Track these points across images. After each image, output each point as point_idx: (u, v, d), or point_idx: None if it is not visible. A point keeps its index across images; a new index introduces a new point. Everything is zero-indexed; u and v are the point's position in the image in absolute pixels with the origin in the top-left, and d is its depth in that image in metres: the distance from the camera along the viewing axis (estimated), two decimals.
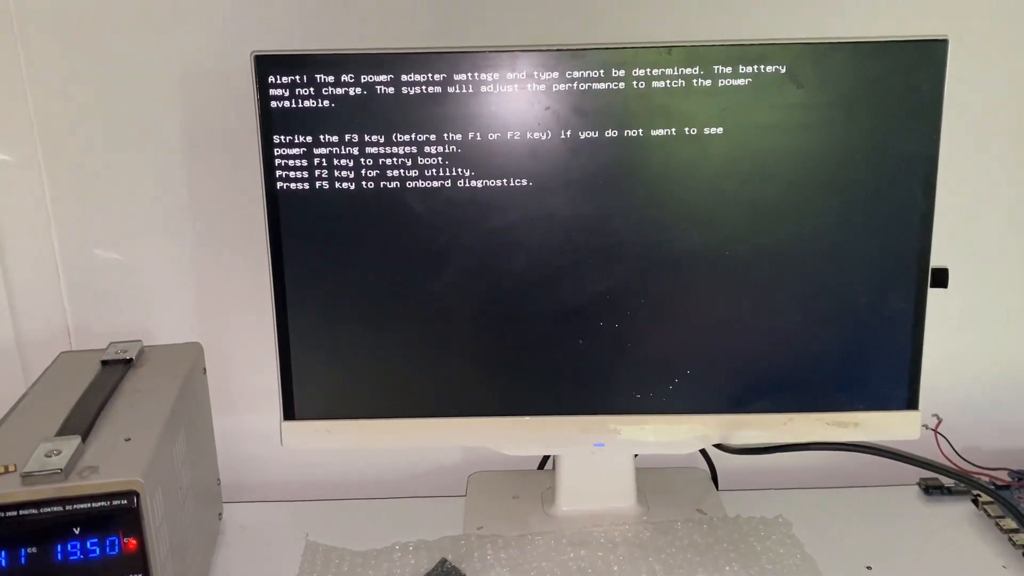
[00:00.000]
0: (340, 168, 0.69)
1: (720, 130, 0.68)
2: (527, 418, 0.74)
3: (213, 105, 0.80)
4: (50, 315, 0.84)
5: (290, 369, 0.73)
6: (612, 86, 0.67)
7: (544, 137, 0.68)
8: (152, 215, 0.82)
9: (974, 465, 0.84)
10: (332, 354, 0.73)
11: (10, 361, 0.83)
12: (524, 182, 0.69)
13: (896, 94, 0.68)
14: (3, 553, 0.54)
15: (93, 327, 0.85)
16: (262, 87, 0.67)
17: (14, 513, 0.53)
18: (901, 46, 0.67)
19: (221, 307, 0.85)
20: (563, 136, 0.68)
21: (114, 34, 0.78)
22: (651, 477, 0.84)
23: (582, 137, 0.68)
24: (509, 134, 0.68)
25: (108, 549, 0.55)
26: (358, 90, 0.67)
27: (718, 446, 0.81)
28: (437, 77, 0.67)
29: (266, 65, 0.67)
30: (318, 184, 0.69)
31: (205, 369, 0.78)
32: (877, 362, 0.72)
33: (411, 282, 0.71)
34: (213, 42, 0.78)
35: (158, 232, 0.83)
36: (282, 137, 0.69)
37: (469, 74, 0.67)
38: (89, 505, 0.54)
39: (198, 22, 0.78)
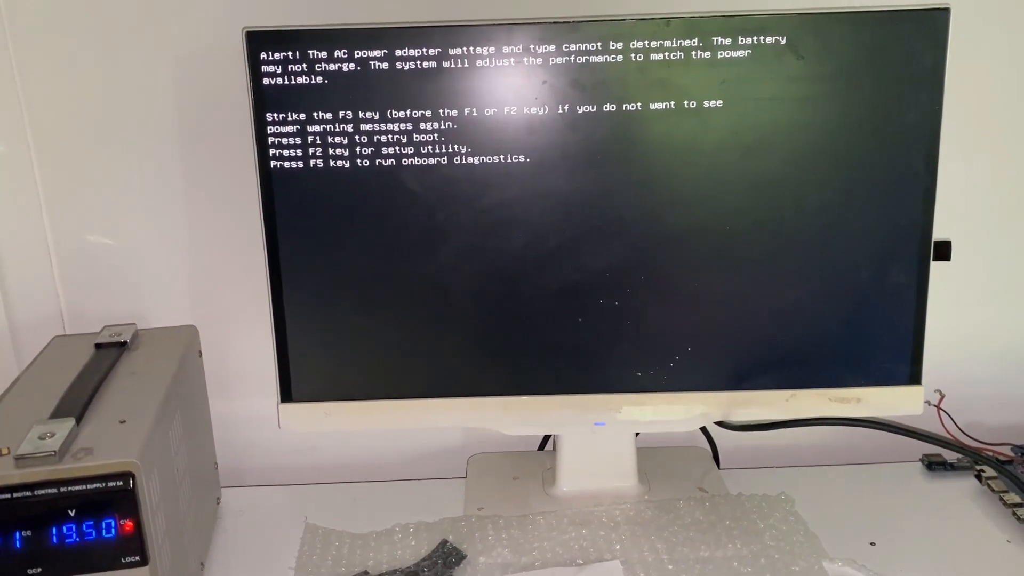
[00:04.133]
0: (334, 146, 0.68)
1: (720, 103, 0.67)
2: (526, 398, 0.74)
3: (205, 84, 0.78)
4: (43, 301, 0.83)
5: (287, 351, 0.72)
6: (610, 59, 0.66)
7: (541, 112, 0.67)
8: (144, 198, 0.81)
9: (977, 441, 0.84)
10: (329, 335, 0.72)
11: (2, 347, 0.82)
12: (521, 158, 0.68)
13: (898, 64, 0.67)
14: None
15: (87, 312, 0.84)
16: (254, 64, 0.66)
17: (7, 496, 0.52)
18: (903, 15, 0.66)
19: (216, 290, 0.84)
20: (560, 111, 0.67)
21: (103, 17, 0.76)
22: (652, 456, 0.83)
23: (580, 111, 0.67)
24: (506, 109, 0.67)
25: (104, 531, 0.54)
26: (352, 66, 0.66)
27: (719, 423, 0.81)
28: (432, 52, 0.66)
29: (258, 41, 0.66)
30: (312, 162, 0.68)
31: (201, 352, 0.78)
32: (880, 336, 0.72)
33: (408, 261, 0.70)
34: (204, 20, 0.77)
35: (151, 215, 0.82)
36: (275, 115, 0.67)
37: (464, 48, 0.66)
38: (84, 487, 0.53)
39: (188, 1, 0.76)
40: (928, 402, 0.82)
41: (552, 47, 0.66)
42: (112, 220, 0.82)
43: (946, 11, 0.66)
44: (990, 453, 0.82)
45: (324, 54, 0.66)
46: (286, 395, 0.73)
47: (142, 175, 0.81)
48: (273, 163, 0.68)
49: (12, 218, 0.81)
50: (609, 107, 0.67)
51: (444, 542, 0.72)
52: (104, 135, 0.79)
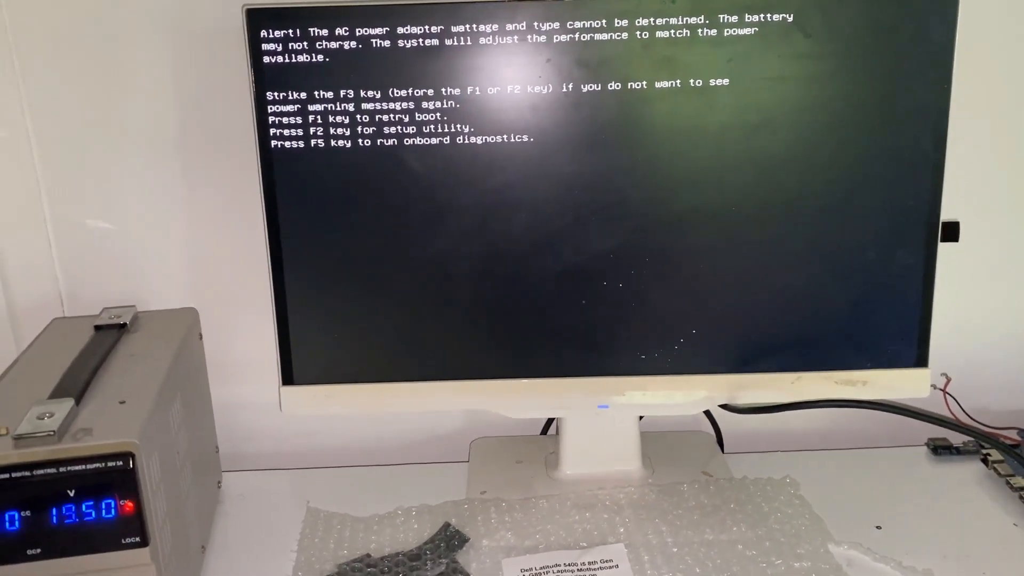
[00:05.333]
0: (335, 125, 0.67)
1: (726, 81, 0.66)
2: (530, 380, 0.73)
3: (204, 64, 0.77)
4: (42, 284, 0.82)
5: (288, 333, 0.72)
6: (615, 36, 0.65)
7: (545, 91, 0.66)
8: (144, 181, 0.80)
9: (983, 425, 0.83)
10: (331, 317, 0.72)
11: (1, 329, 0.82)
12: (525, 138, 0.67)
13: (906, 42, 0.66)
14: None
15: (86, 296, 0.83)
16: (254, 42, 0.66)
17: (6, 476, 0.52)
18: None
19: (217, 272, 0.83)
20: (565, 89, 0.66)
21: None
22: (655, 441, 0.83)
23: (584, 90, 0.66)
24: (509, 88, 0.66)
25: (104, 512, 0.54)
26: (353, 43, 0.65)
27: (724, 406, 0.80)
28: (434, 29, 0.65)
29: (258, 19, 0.65)
30: (313, 142, 0.68)
31: (201, 335, 0.77)
32: (886, 319, 0.71)
33: (410, 242, 0.70)
34: None
35: (150, 198, 0.81)
36: (276, 94, 0.67)
37: (467, 25, 0.65)
38: (83, 467, 0.53)
39: None
40: (934, 386, 0.81)
41: (556, 25, 0.65)
42: (111, 204, 0.81)
43: None
44: (997, 437, 0.81)
45: (325, 31, 0.65)
46: (287, 378, 0.73)
47: (141, 158, 0.80)
48: (274, 143, 0.68)
49: (12, 201, 0.80)
50: (614, 86, 0.66)
51: (447, 525, 0.71)
52: (103, 118, 0.79)
